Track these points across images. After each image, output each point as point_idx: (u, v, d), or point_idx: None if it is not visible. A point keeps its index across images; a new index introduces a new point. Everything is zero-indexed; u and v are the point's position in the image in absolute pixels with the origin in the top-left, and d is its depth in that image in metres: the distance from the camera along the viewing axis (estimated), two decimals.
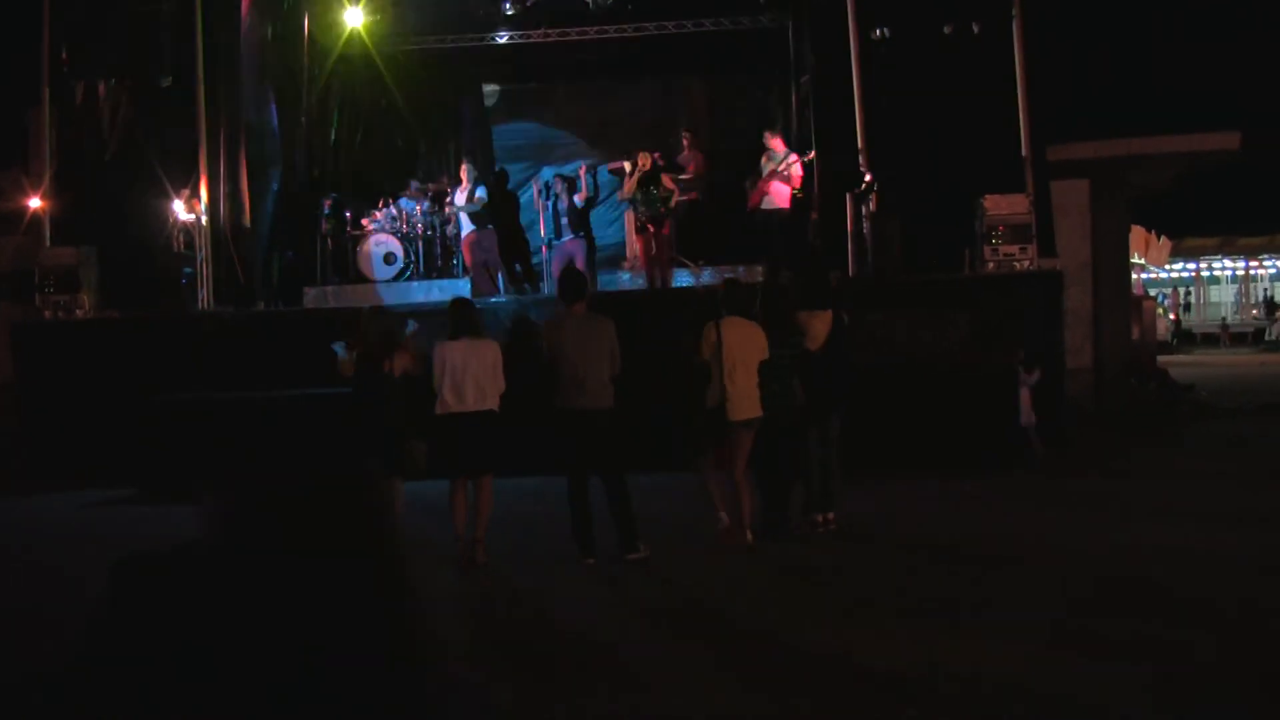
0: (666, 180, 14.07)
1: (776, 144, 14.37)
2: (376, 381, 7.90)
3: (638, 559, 7.84)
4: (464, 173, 14.78)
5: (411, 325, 8.69)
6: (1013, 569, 7.37)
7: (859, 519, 8.79)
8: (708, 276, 14.05)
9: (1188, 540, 7.98)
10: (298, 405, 11.04)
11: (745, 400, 8.10)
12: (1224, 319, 41.75)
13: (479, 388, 7.86)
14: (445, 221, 15.13)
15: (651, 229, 13.98)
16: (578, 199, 14.13)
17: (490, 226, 14.36)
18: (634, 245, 15.45)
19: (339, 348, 8.13)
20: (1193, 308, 45.88)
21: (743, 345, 8.11)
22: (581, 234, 14.17)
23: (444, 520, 8.14)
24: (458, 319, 8.08)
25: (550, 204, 14.48)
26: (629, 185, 13.95)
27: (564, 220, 14.14)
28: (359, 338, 8.08)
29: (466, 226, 14.45)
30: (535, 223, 15.33)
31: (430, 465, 7.93)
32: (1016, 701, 4.97)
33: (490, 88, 18.62)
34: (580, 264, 13.45)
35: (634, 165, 14.32)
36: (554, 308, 8.96)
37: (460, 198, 14.35)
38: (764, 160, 14.17)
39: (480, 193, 14.29)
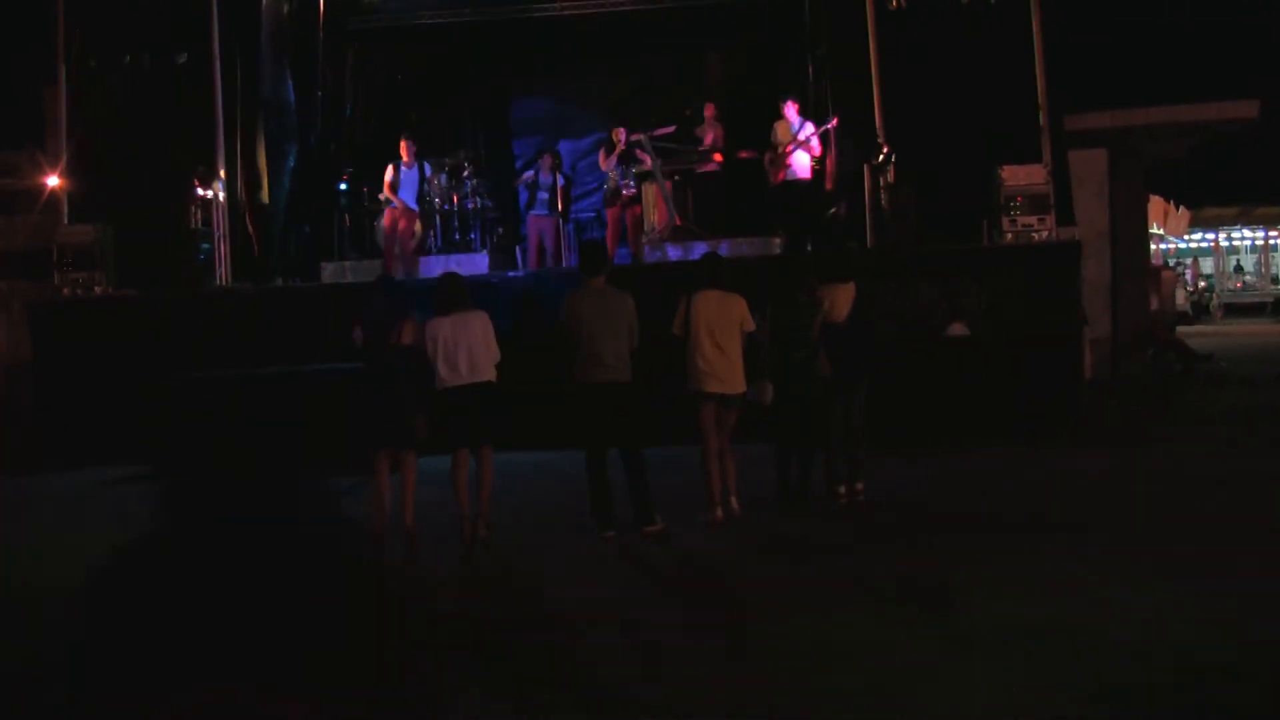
0: (642, 150, 14.21)
1: (792, 113, 14.29)
2: (384, 354, 7.88)
3: (654, 532, 7.88)
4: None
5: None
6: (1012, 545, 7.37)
7: (883, 490, 8.80)
8: (724, 250, 13.99)
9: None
10: (316, 380, 11.07)
11: (719, 374, 8.07)
12: (1214, 291, 41.22)
13: (471, 360, 7.85)
14: (464, 196, 15.15)
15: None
16: (560, 177, 14.77)
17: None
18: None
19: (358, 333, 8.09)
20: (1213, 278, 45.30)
21: (716, 318, 8.06)
22: (556, 212, 14.83)
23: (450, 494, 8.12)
24: (444, 294, 8.05)
25: (534, 176, 15.10)
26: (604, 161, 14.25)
27: (541, 195, 14.75)
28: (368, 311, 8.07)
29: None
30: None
31: (432, 439, 7.89)
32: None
33: None
34: (550, 242, 14.60)
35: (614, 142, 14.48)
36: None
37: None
38: (776, 131, 14.07)
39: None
